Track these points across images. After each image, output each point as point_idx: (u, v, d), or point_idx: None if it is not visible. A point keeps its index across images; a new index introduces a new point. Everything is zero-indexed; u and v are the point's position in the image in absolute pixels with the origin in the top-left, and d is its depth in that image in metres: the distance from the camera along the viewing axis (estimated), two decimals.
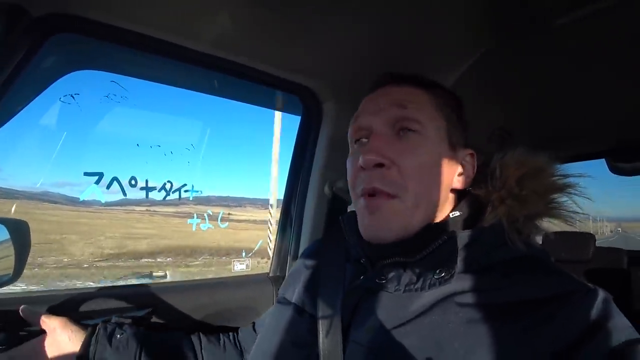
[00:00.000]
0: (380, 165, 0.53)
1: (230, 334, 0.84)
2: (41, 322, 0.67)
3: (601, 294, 0.44)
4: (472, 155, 0.60)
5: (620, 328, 0.41)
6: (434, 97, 0.58)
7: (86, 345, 0.66)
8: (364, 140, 0.59)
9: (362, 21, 0.76)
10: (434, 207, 0.56)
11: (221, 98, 1.06)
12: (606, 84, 1.06)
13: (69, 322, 0.68)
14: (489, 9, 0.77)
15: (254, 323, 0.84)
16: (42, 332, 0.68)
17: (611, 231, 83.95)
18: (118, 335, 0.69)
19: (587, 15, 0.75)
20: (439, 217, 0.56)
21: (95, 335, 0.68)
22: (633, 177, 1.69)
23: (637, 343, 0.40)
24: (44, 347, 0.67)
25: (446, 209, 0.57)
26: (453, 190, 0.59)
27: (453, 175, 0.58)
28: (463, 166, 0.60)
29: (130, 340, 0.70)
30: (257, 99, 1.12)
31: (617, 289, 1.73)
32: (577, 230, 1.87)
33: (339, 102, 1.04)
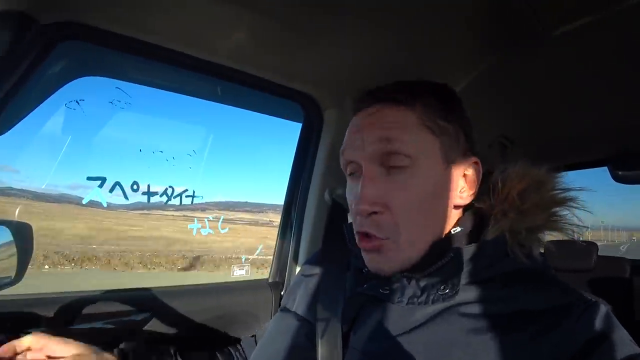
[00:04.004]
0: (374, 212, 0.52)
1: (239, 347, 0.84)
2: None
3: (603, 308, 0.44)
4: (476, 164, 0.57)
5: (622, 342, 0.41)
6: (420, 114, 0.54)
7: None
8: (356, 174, 0.57)
9: (364, 31, 0.77)
10: (435, 230, 0.54)
11: (223, 105, 1.08)
12: (606, 93, 1.07)
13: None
14: (491, 23, 0.78)
15: (254, 335, 0.84)
16: None
17: (626, 240, 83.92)
18: None
19: (583, 26, 0.75)
20: (443, 234, 0.55)
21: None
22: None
23: (638, 358, 0.40)
24: None
25: (449, 225, 0.56)
26: (457, 207, 0.56)
27: (454, 194, 0.55)
28: (465, 177, 0.56)
29: None
30: (259, 106, 1.13)
31: (619, 298, 1.72)
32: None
33: (340, 110, 1.05)
